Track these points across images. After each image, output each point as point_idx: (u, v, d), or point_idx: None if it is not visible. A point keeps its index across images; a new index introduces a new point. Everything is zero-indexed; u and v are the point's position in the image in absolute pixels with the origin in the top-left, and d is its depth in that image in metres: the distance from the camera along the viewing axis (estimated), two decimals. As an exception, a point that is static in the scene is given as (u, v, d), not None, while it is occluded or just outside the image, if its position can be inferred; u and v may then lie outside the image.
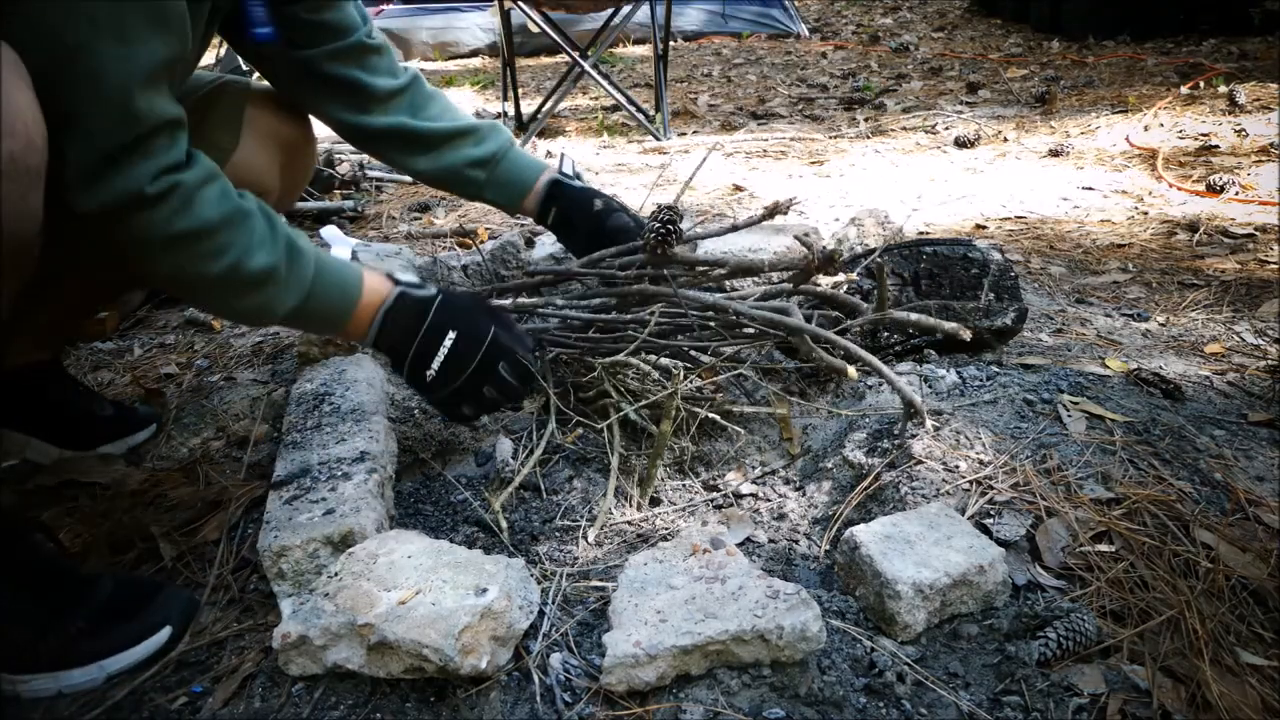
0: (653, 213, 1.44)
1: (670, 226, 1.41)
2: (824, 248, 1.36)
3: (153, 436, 1.46)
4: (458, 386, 1.14)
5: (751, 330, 1.42)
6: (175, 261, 0.95)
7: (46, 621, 0.95)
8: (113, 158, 0.87)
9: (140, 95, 0.87)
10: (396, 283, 1.12)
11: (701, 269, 1.52)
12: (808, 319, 1.41)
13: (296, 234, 1.05)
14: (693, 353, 1.44)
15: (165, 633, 1.00)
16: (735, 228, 1.55)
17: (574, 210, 1.49)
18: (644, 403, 1.34)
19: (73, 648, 0.96)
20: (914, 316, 1.35)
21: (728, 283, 1.67)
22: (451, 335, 1.12)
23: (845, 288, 1.46)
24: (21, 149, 0.77)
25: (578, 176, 1.50)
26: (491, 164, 1.44)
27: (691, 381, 1.35)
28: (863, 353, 1.28)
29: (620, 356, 1.35)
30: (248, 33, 1.14)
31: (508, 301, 1.53)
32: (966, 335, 1.28)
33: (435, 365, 1.12)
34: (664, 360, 1.36)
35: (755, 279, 1.67)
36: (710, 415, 1.34)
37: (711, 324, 1.43)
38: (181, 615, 1.03)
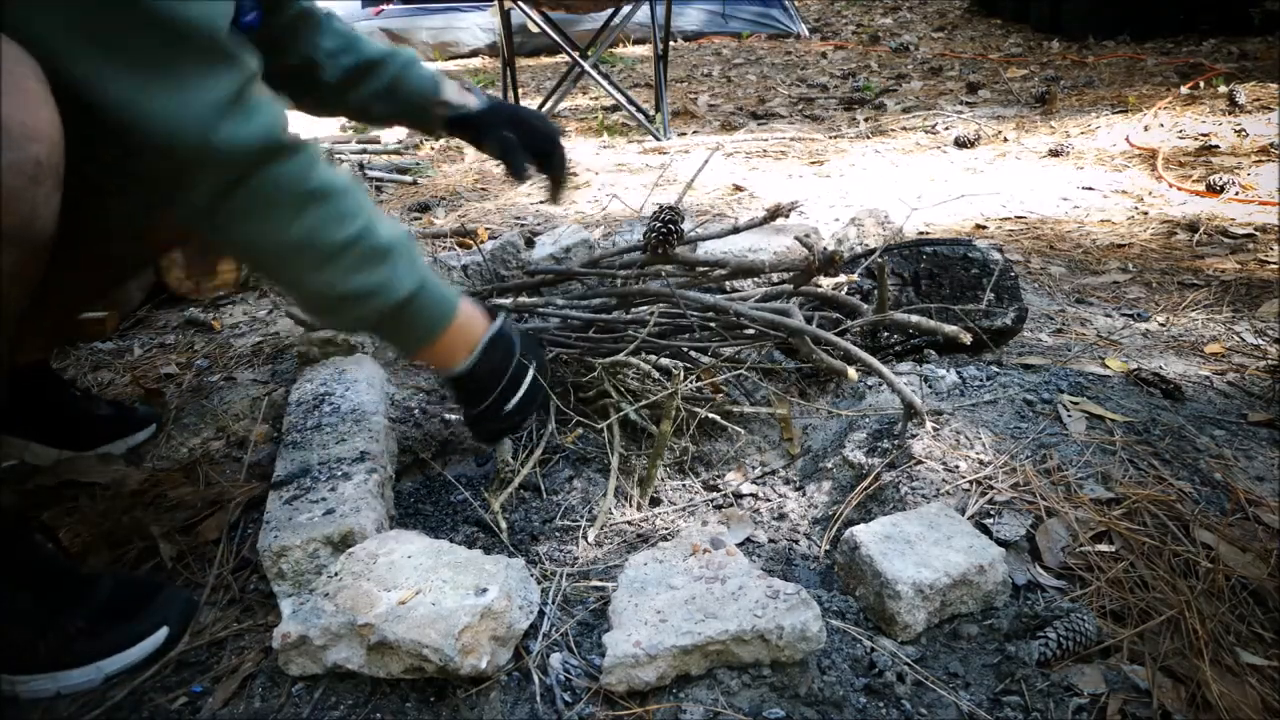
0: (654, 213, 1.44)
1: (671, 227, 1.41)
2: (825, 249, 1.36)
3: (153, 436, 1.46)
4: (521, 419, 1.15)
5: (751, 331, 1.42)
6: (308, 223, 0.88)
7: (45, 621, 0.95)
8: (230, 100, 0.82)
9: (226, 36, 0.82)
10: (492, 313, 1.10)
11: (702, 270, 1.52)
12: (808, 320, 1.41)
13: None
14: (692, 353, 1.44)
15: (163, 633, 1.00)
16: (737, 230, 1.55)
17: (480, 142, 1.42)
18: (644, 403, 1.34)
19: (71, 648, 0.95)
20: (914, 319, 1.35)
21: (728, 283, 1.67)
22: (532, 369, 1.13)
23: (846, 288, 1.46)
24: (47, 152, 0.76)
25: (470, 90, 1.41)
26: (390, 96, 1.35)
27: (691, 382, 1.35)
28: (862, 354, 1.28)
29: (620, 356, 1.35)
30: (238, 22, 1.09)
31: (508, 301, 1.53)
32: (966, 339, 1.28)
33: (516, 399, 1.11)
34: (664, 360, 1.36)
35: (755, 280, 1.67)
36: (710, 415, 1.34)
37: (712, 325, 1.43)
38: (180, 616, 1.03)
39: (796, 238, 1.65)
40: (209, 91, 0.80)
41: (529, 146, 1.38)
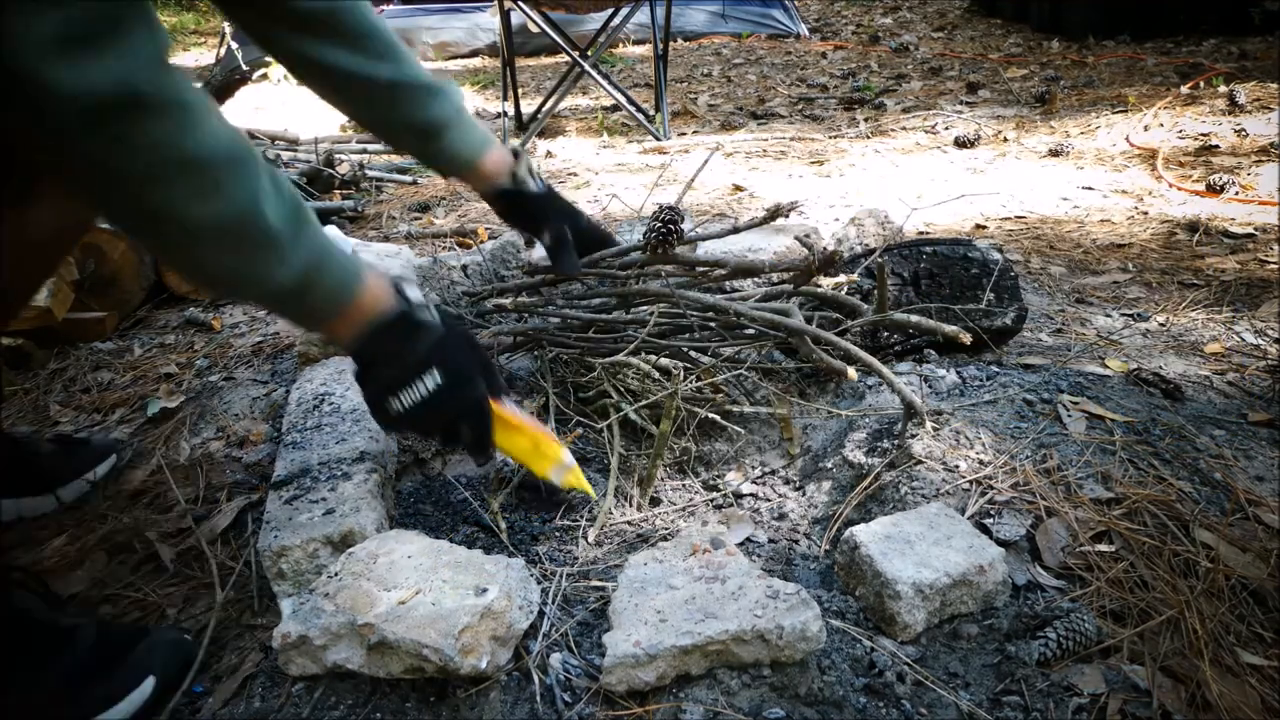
0: (654, 213, 1.44)
1: (671, 227, 1.41)
2: (824, 248, 1.36)
3: (113, 468, 1.37)
4: (415, 429, 1.03)
5: (751, 331, 1.42)
6: (168, 194, 0.73)
7: (18, 685, 0.88)
8: (81, 27, 0.65)
9: None
10: (399, 294, 0.96)
11: (702, 270, 1.52)
12: (808, 320, 1.41)
13: (301, 200, 0.86)
14: (692, 353, 1.44)
15: (149, 684, 0.93)
16: (737, 229, 1.55)
17: (521, 222, 1.42)
18: (644, 402, 1.34)
19: (44, 715, 0.89)
20: (914, 319, 1.35)
21: (728, 283, 1.67)
22: (436, 381, 0.96)
23: (845, 288, 1.46)
24: None
25: (532, 174, 1.37)
26: (432, 134, 1.26)
27: (691, 382, 1.35)
28: (862, 353, 1.28)
29: (620, 357, 1.35)
30: None
31: (507, 301, 1.53)
32: (966, 339, 1.28)
33: (405, 402, 0.96)
34: (664, 360, 1.36)
35: (755, 280, 1.67)
36: (710, 415, 1.34)
37: (712, 324, 1.43)
38: (169, 661, 0.96)
39: (796, 237, 1.65)
40: (49, 16, 0.63)
41: (577, 246, 1.40)
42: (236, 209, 0.77)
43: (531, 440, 1.16)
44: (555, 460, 1.17)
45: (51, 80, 0.64)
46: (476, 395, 1.02)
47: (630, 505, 1.27)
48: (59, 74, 0.64)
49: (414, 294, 0.98)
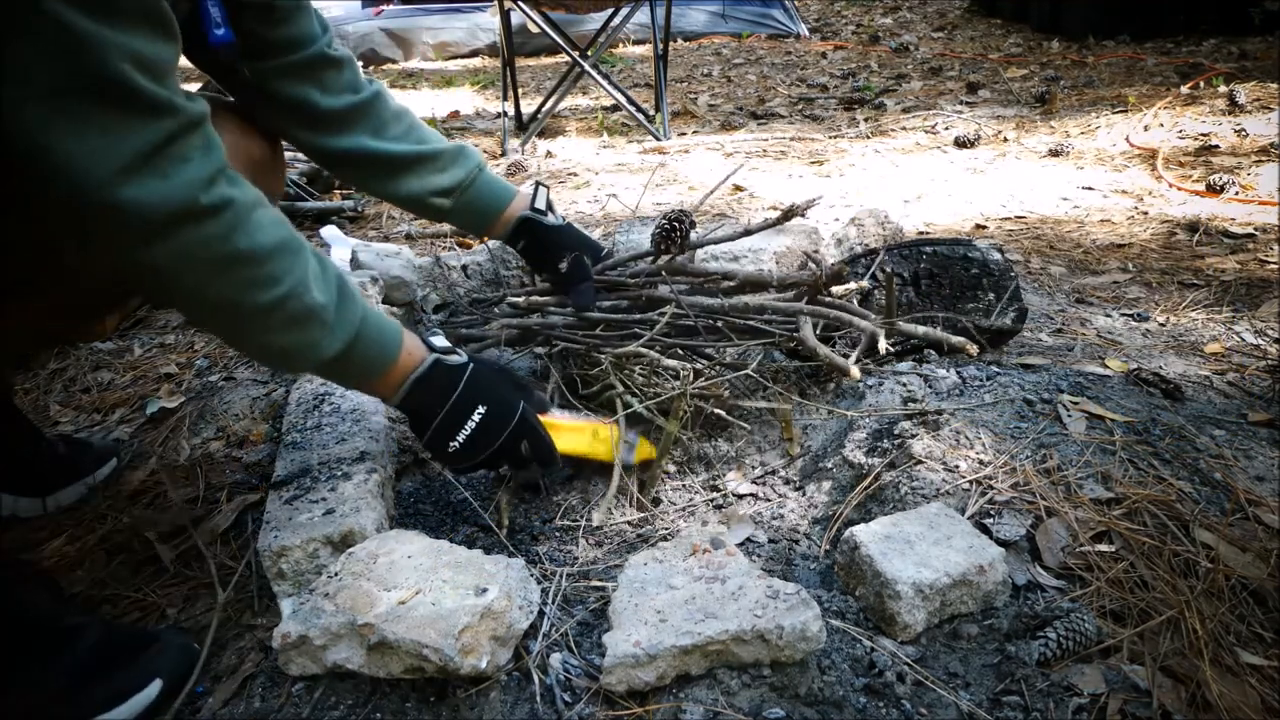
0: (664, 214, 1.45)
1: (677, 225, 1.42)
2: (832, 265, 1.37)
3: (113, 471, 1.38)
4: (478, 460, 1.10)
5: (756, 325, 1.43)
6: (222, 286, 0.83)
7: (20, 682, 0.89)
8: (144, 155, 0.74)
9: (146, 79, 0.74)
10: (431, 349, 1.06)
11: (710, 281, 1.52)
12: (815, 325, 1.41)
13: (345, 275, 0.97)
14: (696, 355, 1.44)
15: (155, 687, 0.93)
16: (749, 231, 1.55)
17: (541, 255, 1.49)
18: (653, 400, 1.34)
19: (47, 712, 0.89)
20: (920, 330, 1.35)
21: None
22: (480, 410, 1.06)
23: (852, 297, 1.46)
24: None
25: (550, 208, 1.47)
26: (457, 192, 1.39)
27: (699, 383, 1.35)
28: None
29: (631, 347, 1.35)
30: (206, 35, 1.02)
31: (520, 300, 1.53)
32: (973, 351, 1.28)
33: (460, 438, 1.06)
34: (670, 361, 1.36)
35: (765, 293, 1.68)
36: (715, 411, 1.34)
37: (719, 326, 1.43)
38: (176, 665, 0.96)
39: (805, 252, 1.65)
40: (120, 143, 0.73)
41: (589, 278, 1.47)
42: (287, 293, 0.87)
43: (590, 433, 1.23)
44: (618, 441, 1.24)
45: (119, 199, 0.73)
46: (522, 412, 1.10)
47: (630, 505, 1.27)
48: (126, 194, 0.73)
49: (439, 341, 1.08)
